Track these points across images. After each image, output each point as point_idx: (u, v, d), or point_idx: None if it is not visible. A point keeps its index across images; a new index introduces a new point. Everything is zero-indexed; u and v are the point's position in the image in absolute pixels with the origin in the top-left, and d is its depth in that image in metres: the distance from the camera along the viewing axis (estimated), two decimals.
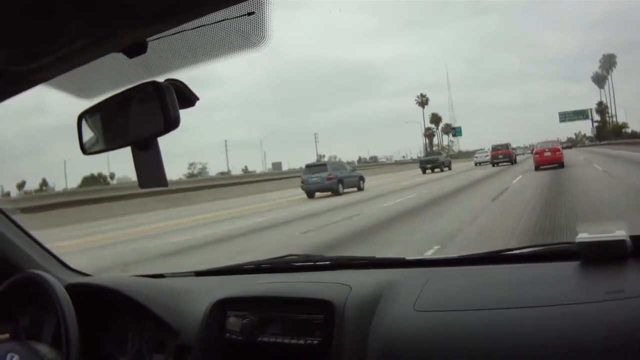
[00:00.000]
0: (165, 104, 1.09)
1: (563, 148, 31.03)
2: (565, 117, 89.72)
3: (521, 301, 1.43)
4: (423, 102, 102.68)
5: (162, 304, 1.90)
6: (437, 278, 1.70)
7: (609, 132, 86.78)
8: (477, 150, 55.23)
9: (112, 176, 62.30)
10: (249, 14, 1.03)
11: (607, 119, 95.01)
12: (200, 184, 35.60)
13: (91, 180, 55.77)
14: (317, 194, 24.18)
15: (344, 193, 23.87)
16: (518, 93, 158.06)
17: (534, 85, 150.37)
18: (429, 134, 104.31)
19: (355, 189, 25.36)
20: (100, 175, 60.15)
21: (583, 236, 1.54)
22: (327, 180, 23.66)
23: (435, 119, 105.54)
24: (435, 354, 1.40)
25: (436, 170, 38.82)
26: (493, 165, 38.22)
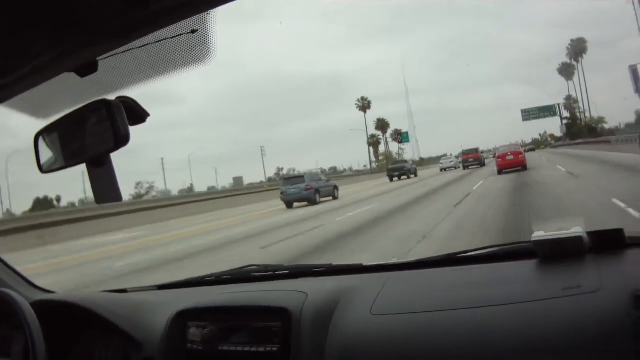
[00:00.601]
0: (116, 121, 1.12)
1: (525, 151, 31.65)
2: (529, 115, 75.75)
3: (478, 301, 1.44)
4: (364, 106, 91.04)
5: (125, 318, 1.91)
6: (394, 282, 1.72)
7: (581, 129, 73.18)
8: (442, 156, 59.18)
9: (58, 199, 59.68)
10: (193, 31, 1.08)
11: (578, 114, 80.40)
12: (149, 205, 33.93)
13: (42, 203, 53.63)
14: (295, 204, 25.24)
15: (320, 202, 24.91)
16: (484, 97, 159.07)
17: (500, 88, 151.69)
18: (373, 142, 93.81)
19: (331, 197, 26.52)
20: (46, 199, 57.35)
21: (539, 234, 1.56)
22: (306, 190, 24.79)
23: (382, 125, 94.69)
24: (393, 356, 1.42)
25: (403, 177, 40.04)
26: (464, 168, 40.98)
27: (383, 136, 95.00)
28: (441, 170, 47.78)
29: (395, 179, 39.54)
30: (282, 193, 25.80)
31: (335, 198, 26.63)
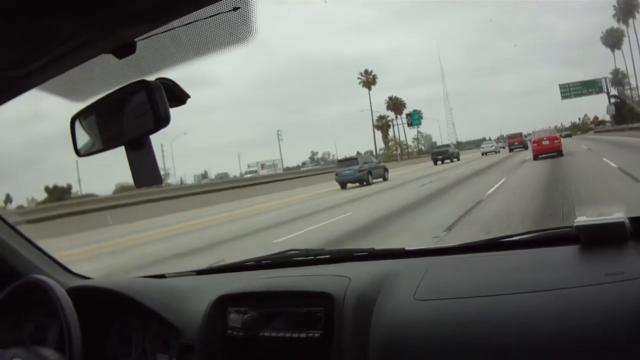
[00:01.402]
0: (155, 102, 1.09)
1: (562, 137, 31.60)
2: (569, 91, 62.10)
3: (521, 287, 1.43)
4: (368, 81, 75.36)
5: (164, 304, 1.90)
6: (437, 267, 1.70)
7: (632, 111, 59.42)
8: (481, 140, 63.14)
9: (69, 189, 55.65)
10: (235, 9, 1.04)
11: (629, 91, 66.04)
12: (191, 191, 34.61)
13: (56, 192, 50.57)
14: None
15: (372, 183, 26.77)
16: (520, 79, 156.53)
17: (536, 71, 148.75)
18: (381, 125, 78.33)
19: (381, 179, 28.38)
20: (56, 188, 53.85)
21: (581, 220, 1.54)
22: (359, 172, 26.90)
23: (395, 104, 77.51)
24: (437, 341, 1.40)
25: (446, 161, 41.77)
26: (510, 151, 43.88)
27: (396, 118, 79.61)
28: (482, 154, 49.98)
29: (439, 162, 41.32)
30: (336, 174, 27.91)
31: (385, 179, 28.40)
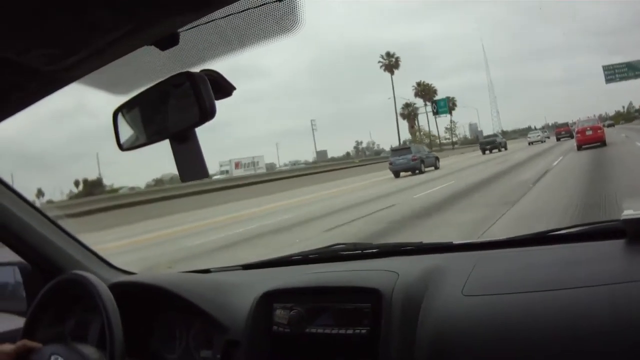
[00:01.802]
0: (200, 94, 1.08)
1: (604, 127, 31.32)
2: (615, 73, 53.98)
3: (569, 282, 1.40)
4: (390, 64, 68.54)
5: (208, 300, 1.89)
6: (485, 261, 1.68)
7: None
8: (527, 129, 65.55)
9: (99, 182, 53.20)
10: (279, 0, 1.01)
11: None
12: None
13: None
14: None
15: (425, 172, 27.98)
16: (561, 68, 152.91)
17: (577, 59, 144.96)
18: (408, 113, 71.72)
19: (433, 167, 29.68)
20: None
21: (629, 213, 1.51)
22: (412, 160, 28.15)
23: (425, 90, 70.62)
24: (486, 338, 1.38)
25: (494, 150, 43.28)
26: (557, 140, 45.94)
27: (425, 106, 72.78)
28: (529, 143, 51.48)
29: (487, 152, 43.11)
30: (390, 163, 29.14)
31: (437, 168, 29.69)
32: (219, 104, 1.11)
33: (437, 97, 70.31)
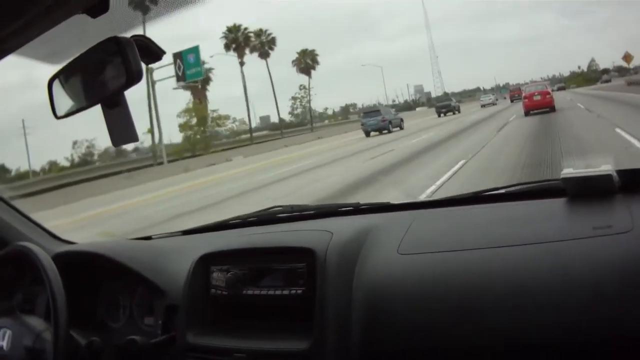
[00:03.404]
0: (127, 58, 1.09)
1: (553, 90, 31.46)
2: None
3: (507, 240, 1.42)
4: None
5: (149, 265, 1.91)
6: (421, 220, 1.69)
7: None
8: (479, 92, 69.35)
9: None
10: None
11: None
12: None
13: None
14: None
15: (393, 131, 31.41)
16: (520, 27, 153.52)
17: (536, 18, 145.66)
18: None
19: (398, 128, 33.09)
20: None
21: (568, 172, 1.53)
22: (382, 122, 31.76)
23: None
24: (421, 296, 1.40)
25: (449, 114, 45.51)
26: (511, 102, 48.97)
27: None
28: (482, 106, 54.78)
29: (442, 115, 45.72)
30: (362, 124, 32.71)
31: (401, 129, 33.01)
32: None
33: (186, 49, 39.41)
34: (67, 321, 1.55)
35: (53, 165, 44.37)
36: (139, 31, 1.16)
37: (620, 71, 63.28)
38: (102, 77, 1.17)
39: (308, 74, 64.29)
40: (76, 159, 49.87)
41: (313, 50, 62.09)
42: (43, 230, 2.25)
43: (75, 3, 1.09)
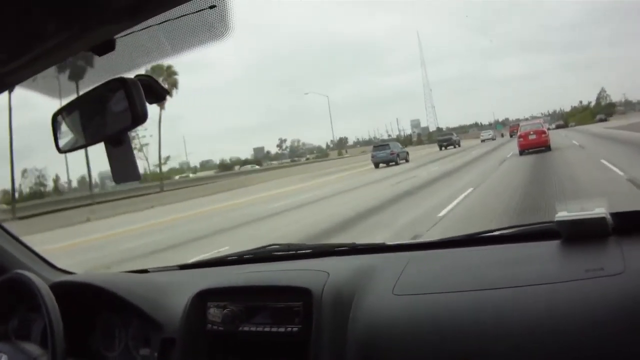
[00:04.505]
0: (133, 99, 1.11)
1: (551, 129, 31.80)
2: None
3: (501, 282, 1.43)
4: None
5: (145, 299, 1.92)
6: (416, 261, 1.71)
7: None
8: (476, 127, 73.31)
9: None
10: (211, 7, 1.06)
11: None
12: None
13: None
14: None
15: (400, 163, 33.59)
16: (520, 64, 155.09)
17: (537, 55, 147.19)
18: None
19: (404, 161, 35.61)
20: None
21: (562, 215, 1.55)
22: (391, 154, 34.88)
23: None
24: (416, 337, 1.41)
25: (449, 147, 48.95)
26: (510, 136, 51.79)
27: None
28: (482, 140, 58.30)
29: (443, 148, 49.23)
30: (372, 157, 35.83)
31: (407, 161, 35.51)
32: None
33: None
34: (63, 349, 1.56)
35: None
36: (143, 70, 1.21)
37: (628, 105, 60.95)
38: (107, 116, 1.20)
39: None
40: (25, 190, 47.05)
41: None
42: (41, 260, 2.26)
43: (83, 41, 1.12)
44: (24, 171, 47.86)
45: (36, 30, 1.06)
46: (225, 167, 66.34)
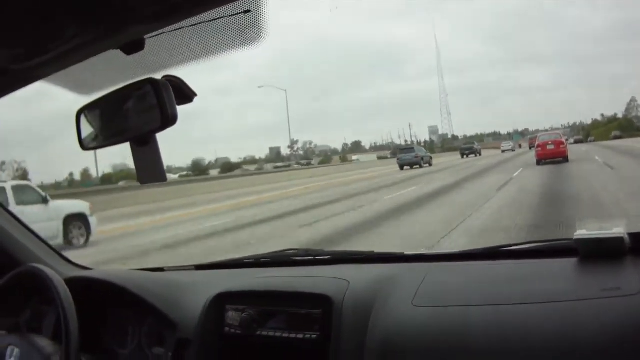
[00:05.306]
0: (163, 100, 1.10)
1: (569, 143, 31.48)
2: None
3: (518, 297, 1.43)
4: None
5: (161, 297, 1.91)
6: (436, 273, 1.71)
7: None
8: (503, 140, 73.30)
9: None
10: (245, 11, 1.03)
11: None
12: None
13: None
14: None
15: (424, 167, 35.48)
16: (545, 74, 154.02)
17: (562, 66, 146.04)
18: None
19: (428, 165, 37.04)
20: None
21: (581, 233, 1.55)
22: (415, 157, 36.60)
23: None
24: (434, 349, 1.41)
25: (471, 155, 50.47)
26: (530, 148, 48.58)
27: None
28: (502, 151, 58.31)
29: (465, 156, 50.73)
30: (398, 159, 37.74)
31: (430, 165, 37.08)
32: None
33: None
34: (77, 345, 1.55)
35: None
36: (172, 71, 1.18)
37: None
38: (135, 116, 1.18)
39: None
40: None
41: None
42: (57, 254, 2.26)
43: (111, 40, 1.11)
44: (2, 163, 45.95)
45: (65, 27, 1.05)
46: (228, 169, 65.41)
